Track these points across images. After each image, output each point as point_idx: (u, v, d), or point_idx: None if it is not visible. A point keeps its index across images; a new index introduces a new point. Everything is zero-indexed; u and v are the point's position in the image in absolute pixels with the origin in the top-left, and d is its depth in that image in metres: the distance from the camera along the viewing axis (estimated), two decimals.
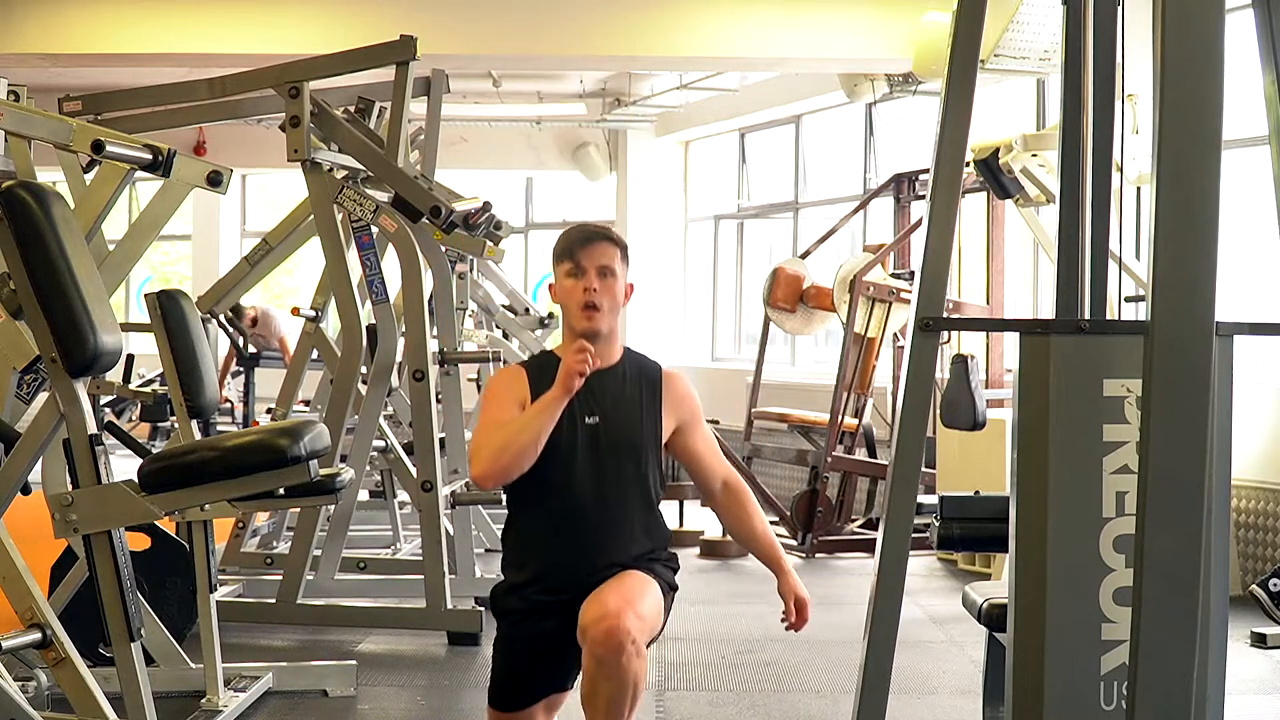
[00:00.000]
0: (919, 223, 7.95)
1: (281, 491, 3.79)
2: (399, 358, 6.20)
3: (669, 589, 3.69)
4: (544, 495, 3.62)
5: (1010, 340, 6.69)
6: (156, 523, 4.42)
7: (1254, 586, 4.94)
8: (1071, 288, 2.90)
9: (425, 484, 5.80)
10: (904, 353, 2.79)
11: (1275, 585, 4.89)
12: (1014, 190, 7.57)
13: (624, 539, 3.62)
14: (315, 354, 7.44)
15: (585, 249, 3.64)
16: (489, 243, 6.75)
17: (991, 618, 3.52)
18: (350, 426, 6.19)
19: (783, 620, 3.75)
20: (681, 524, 8.89)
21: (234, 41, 9.78)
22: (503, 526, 3.81)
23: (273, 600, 5.89)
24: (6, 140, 4.16)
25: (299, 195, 6.33)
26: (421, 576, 5.78)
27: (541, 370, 3.68)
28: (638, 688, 3.41)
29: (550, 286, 3.71)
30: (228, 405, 12.71)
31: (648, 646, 3.48)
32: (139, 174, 3.85)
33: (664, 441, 3.73)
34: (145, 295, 4.69)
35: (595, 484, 3.62)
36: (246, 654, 5.25)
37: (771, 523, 8.97)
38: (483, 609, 5.86)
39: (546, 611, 3.57)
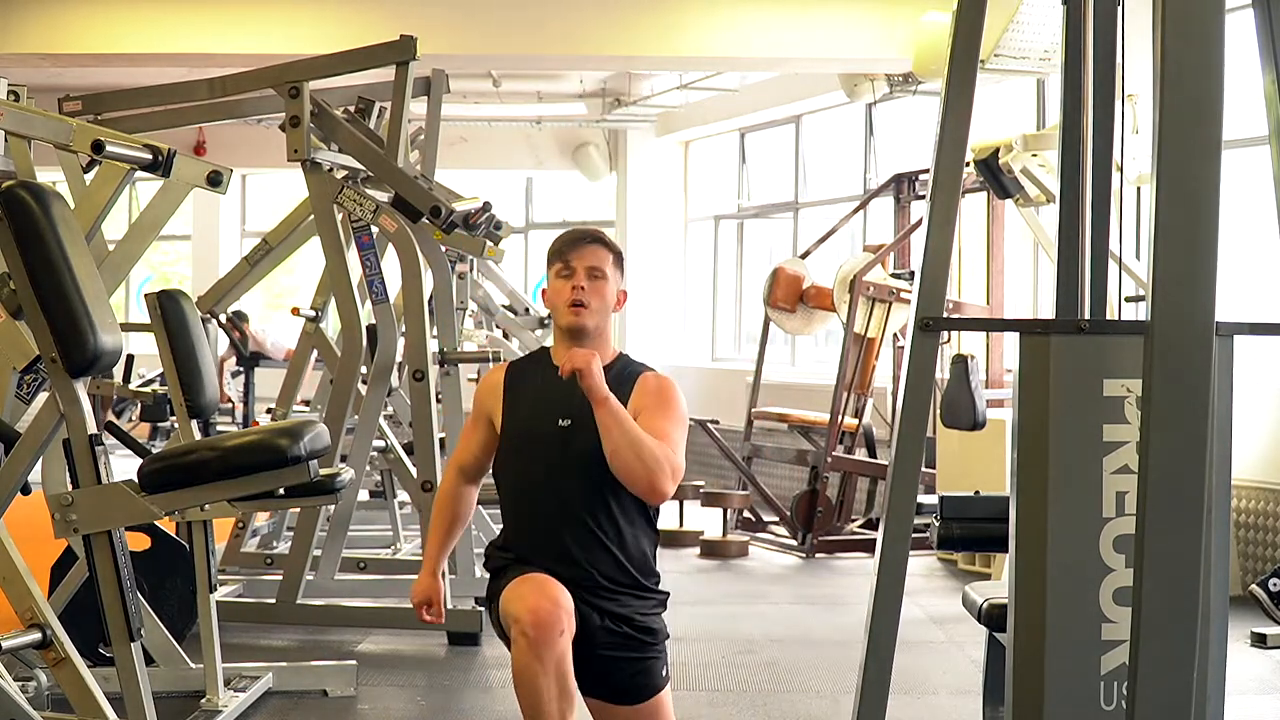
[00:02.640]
0: (919, 223, 7.95)
1: (281, 491, 3.79)
2: (399, 358, 6.20)
3: (667, 669, 3.73)
4: (517, 491, 3.70)
5: (1010, 340, 6.69)
6: (156, 523, 4.42)
7: (1254, 586, 4.93)
8: (1071, 288, 2.90)
9: (425, 484, 5.80)
10: (904, 353, 2.79)
11: (1275, 585, 4.89)
12: (1014, 190, 7.57)
13: (597, 548, 3.60)
14: (315, 354, 7.44)
15: (575, 250, 3.67)
16: (489, 243, 6.76)
17: (991, 618, 3.52)
18: (350, 426, 6.19)
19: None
20: (681, 524, 8.89)
21: (234, 41, 9.78)
22: None
23: (273, 600, 5.89)
24: (6, 140, 4.16)
25: (299, 195, 6.33)
26: None
27: (525, 370, 3.78)
28: None
29: (543, 291, 3.74)
30: (229, 405, 12.72)
31: None
32: (139, 174, 3.85)
33: None
34: (145, 295, 4.69)
35: (563, 486, 3.61)
36: (246, 654, 5.25)
37: (771, 523, 9.03)
38: (482, 609, 5.86)
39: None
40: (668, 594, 3.75)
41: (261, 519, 7.34)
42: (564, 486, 3.61)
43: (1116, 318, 3.05)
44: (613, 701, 3.67)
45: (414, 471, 6.02)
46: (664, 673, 3.70)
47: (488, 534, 8.07)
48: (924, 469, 7.25)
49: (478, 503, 6.52)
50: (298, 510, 6.14)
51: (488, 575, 3.77)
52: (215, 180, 3.93)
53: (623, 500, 3.61)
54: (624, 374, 3.67)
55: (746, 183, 13.29)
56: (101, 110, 6.11)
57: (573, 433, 3.60)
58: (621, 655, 3.63)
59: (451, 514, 3.89)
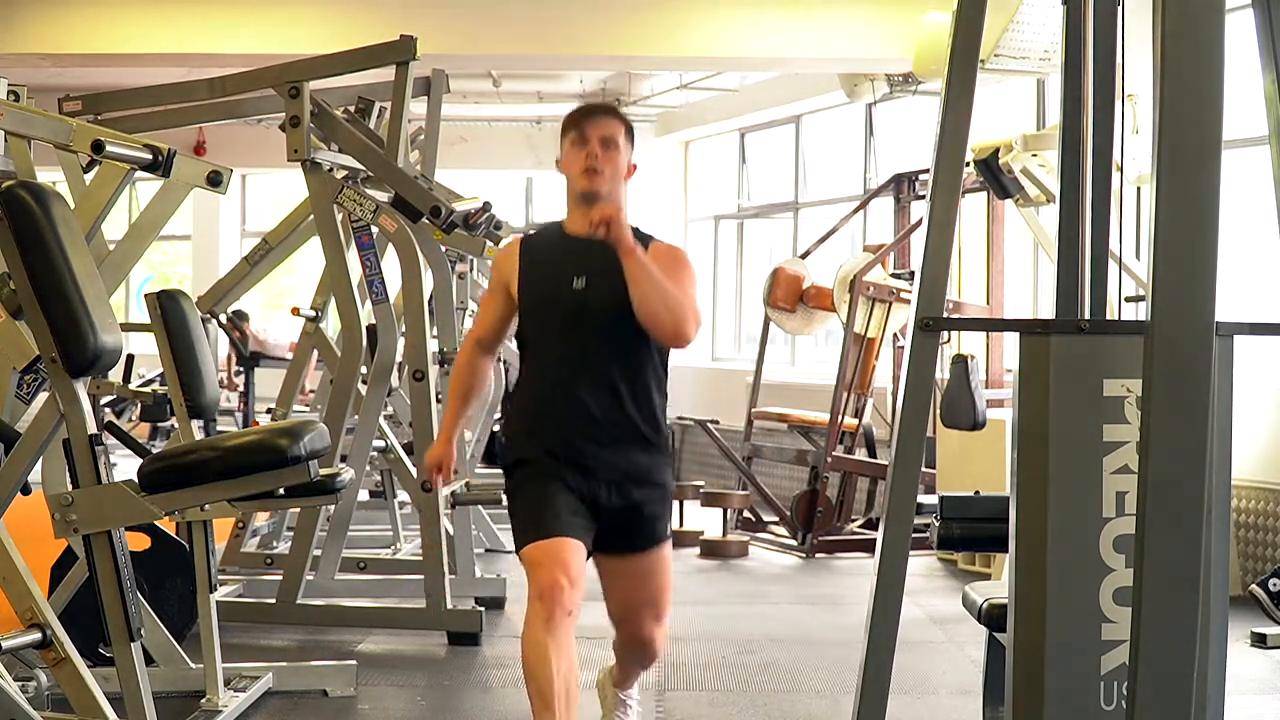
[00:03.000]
0: (919, 223, 7.95)
1: (281, 491, 3.79)
2: (399, 358, 6.20)
3: (670, 524, 3.97)
4: (536, 353, 3.91)
5: (1010, 340, 6.69)
6: (156, 523, 4.42)
7: (1254, 586, 4.93)
8: (1071, 288, 2.90)
9: (425, 484, 5.78)
10: (904, 353, 2.79)
11: (1275, 585, 4.89)
12: (1014, 190, 7.57)
13: (612, 404, 3.83)
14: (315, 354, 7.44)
15: (590, 121, 3.88)
16: (489, 243, 6.75)
17: (991, 618, 3.52)
18: (350, 426, 6.19)
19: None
20: (681, 524, 8.89)
21: (234, 41, 9.77)
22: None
23: (273, 600, 5.89)
24: (6, 140, 4.16)
25: (299, 195, 6.33)
26: (421, 576, 5.78)
27: (539, 240, 4.00)
28: (662, 649, 4.08)
29: (557, 161, 3.93)
30: (237, 393, 12.75)
31: None
32: (139, 174, 3.85)
33: None
34: (145, 295, 4.69)
35: (580, 344, 3.83)
36: (246, 654, 5.25)
37: (771, 523, 9.02)
38: (483, 609, 5.86)
39: (551, 471, 3.78)
40: (671, 455, 3.86)
41: (261, 519, 7.34)
42: (580, 345, 3.83)
43: (1116, 318, 3.06)
44: (616, 553, 3.90)
45: (414, 471, 6.02)
46: (667, 528, 3.95)
47: (488, 535, 8.08)
48: (924, 469, 7.25)
49: (478, 503, 6.58)
50: (298, 510, 6.14)
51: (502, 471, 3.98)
52: (215, 180, 3.93)
53: (638, 356, 3.86)
54: (638, 241, 3.80)
55: (746, 183, 13.29)
56: (101, 110, 6.11)
57: (587, 292, 3.82)
58: (628, 519, 3.86)
59: (467, 384, 4.09)
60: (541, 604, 3.58)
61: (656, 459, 3.88)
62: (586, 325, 3.82)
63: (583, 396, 3.81)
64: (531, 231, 4.16)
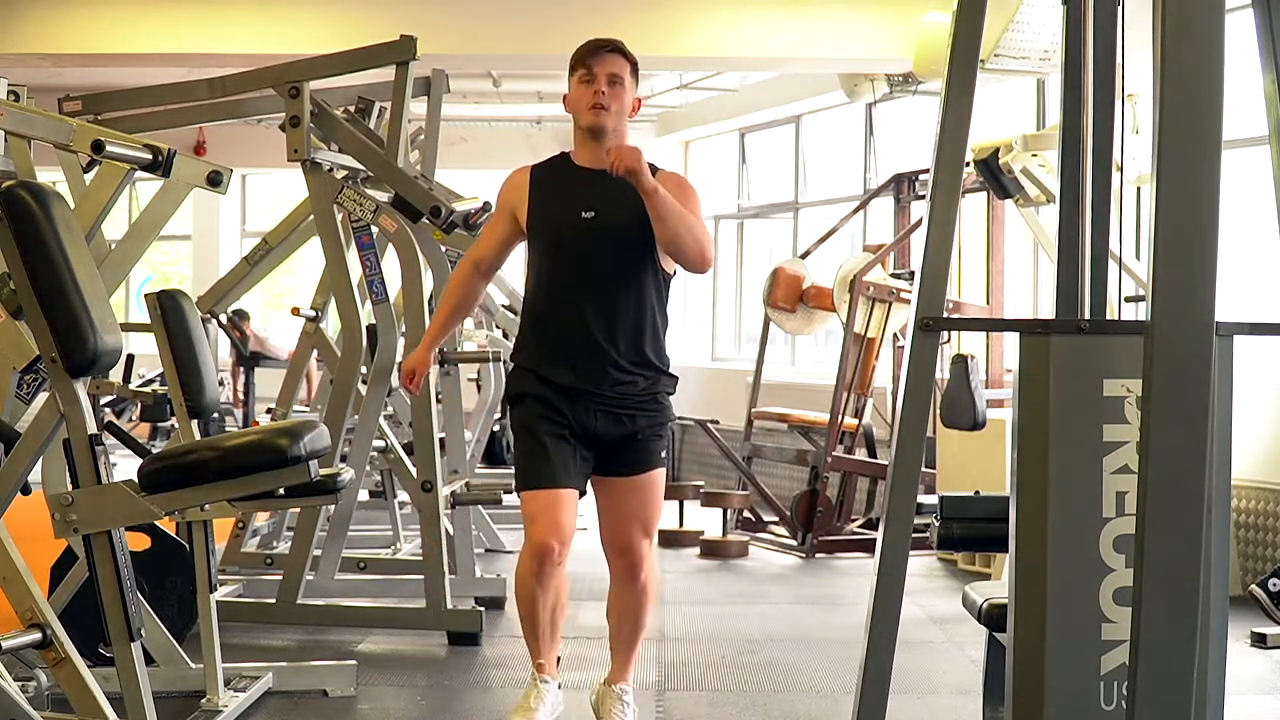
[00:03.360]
0: (919, 223, 7.95)
1: (281, 491, 3.79)
2: (399, 358, 6.20)
3: (665, 451, 4.18)
4: (542, 282, 4.08)
5: (1010, 340, 6.69)
6: (156, 523, 4.42)
7: (1254, 586, 4.94)
8: (1071, 288, 2.90)
9: (425, 484, 5.79)
10: (904, 353, 2.79)
11: (1275, 585, 4.89)
12: (1014, 190, 7.56)
13: (618, 332, 4.05)
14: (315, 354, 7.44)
15: (597, 58, 4.12)
16: None
17: (991, 618, 3.51)
18: (350, 426, 6.18)
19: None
20: (681, 524, 8.89)
21: (234, 41, 9.78)
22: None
23: (273, 600, 5.88)
24: (6, 140, 4.16)
25: (299, 195, 6.33)
26: (421, 576, 5.78)
27: (548, 170, 4.17)
28: (652, 593, 4.23)
29: (564, 97, 4.13)
30: (240, 400, 12.77)
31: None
32: (139, 174, 3.85)
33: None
34: (145, 295, 4.69)
35: (590, 273, 4.03)
36: (246, 654, 5.25)
37: (771, 523, 9.02)
38: (483, 609, 5.86)
39: (550, 412, 4.01)
40: (677, 378, 4.22)
41: (261, 519, 7.34)
42: (589, 274, 4.01)
43: (1116, 318, 3.06)
44: (612, 475, 4.14)
45: (414, 471, 6.02)
46: (661, 455, 4.19)
47: (488, 535, 8.08)
48: (924, 469, 7.25)
49: (478, 503, 6.58)
50: (298, 510, 6.14)
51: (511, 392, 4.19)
52: (215, 180, 3.93)
53: (643, 286, 4.10)
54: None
55: (746, 183, 13.29)
56: (101, 110, 6.11)
57: (597, 223, 4.01)
58: (626, 447, 4.11)
59: (458, 299, 4.34)
60: (533, 559, 4.00)
61: (659, 380, 4.14)
62: (594, 255, 4.01)
63: (589, 326, 4.01)
64: (539, 162, 4.28)
